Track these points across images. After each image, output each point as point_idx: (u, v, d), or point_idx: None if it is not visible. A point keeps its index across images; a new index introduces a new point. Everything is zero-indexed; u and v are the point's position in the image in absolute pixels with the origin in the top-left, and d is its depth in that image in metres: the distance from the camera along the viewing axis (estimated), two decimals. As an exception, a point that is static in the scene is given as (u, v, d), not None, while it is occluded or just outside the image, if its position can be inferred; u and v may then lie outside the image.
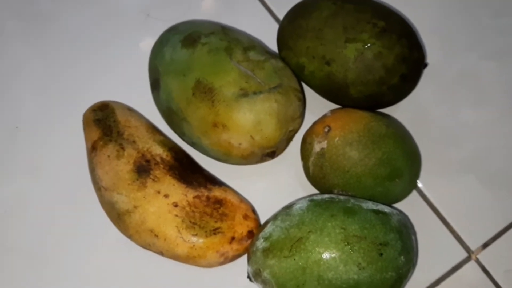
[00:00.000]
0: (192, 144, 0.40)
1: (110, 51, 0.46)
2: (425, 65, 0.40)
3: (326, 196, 0.36)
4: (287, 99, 0.37)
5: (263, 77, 0.37)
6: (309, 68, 0.39)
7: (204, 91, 0.37)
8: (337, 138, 0.37)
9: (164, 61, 0.39)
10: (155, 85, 0.40)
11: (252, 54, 0.38)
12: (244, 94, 0.36)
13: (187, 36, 0.39)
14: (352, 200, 0.36)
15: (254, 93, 0.36)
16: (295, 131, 0.40)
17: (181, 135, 0.40)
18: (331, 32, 0.38)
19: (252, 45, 0.39)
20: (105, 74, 0.45)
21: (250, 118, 0.36)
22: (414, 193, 0.41)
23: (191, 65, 0.38)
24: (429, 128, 0.43)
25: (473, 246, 0.40)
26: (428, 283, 0.39)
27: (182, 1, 0.47)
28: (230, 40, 0.39)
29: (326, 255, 0.33)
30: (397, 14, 0.39)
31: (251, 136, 0.37)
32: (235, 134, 0.37)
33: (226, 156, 0.38)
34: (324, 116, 0.39)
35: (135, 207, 0.36)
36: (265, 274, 0.34)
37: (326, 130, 0.37)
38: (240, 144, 0.37)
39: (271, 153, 0.39)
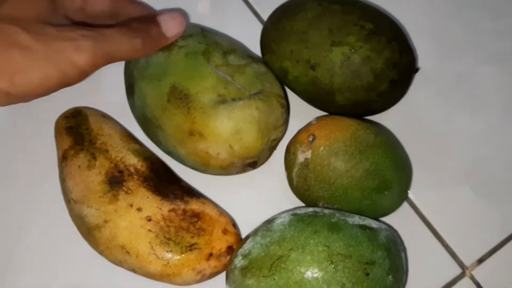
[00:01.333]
0: (169, 153, 0.38)
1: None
2: (416, 70, 0.38)
3: (310, 209, 0.34)
4: (269, 106, 0.35)
5: (243, 83, 0.35)
6: (293, 73, 0.37)
7: (180, 97, 0.34)
8: (322, 148, 0.34)
9: (139, 65, 0.37)
10: (130, 90, 0.38)
11: (232, 58, 0.36)
12: (222, 101, 0.34)
13: None
14: (337, 215, 0.33)
15: (233, 99, 0.34)
16: (278, 140, 0.38)
17: (157, 144, 0.38)
18: (316, 34, 0.36)
19: (233, 48, 0.37)
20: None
21: (229, 126, 0.34)
22: (405, 205, 0.39)
23: (167, 69, 0.35)
24: (421, 136, 0.41)
25: (467, 262, 0.38)
26: (420, 301, 0.37)
27: (164, 2, 0.45)
28: (208, 43, 0.36)
29: (308, 275, 0.31)
30: (387, 16, 0.37)
31: (230, 145, 0.34)
32: (212, 143, 0.34)
33: (204, 167, 0.36)
34: (309, 124, 0.37)
35: (106, 221, 0.34)
36: (243, 295, 0.32)
37: (310, 139, 0.35)
38: (218, 154, 0.35)
39: (253, 163, 0.37)
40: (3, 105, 0.30)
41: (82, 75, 0.31)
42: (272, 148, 0.38)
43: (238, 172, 0.37)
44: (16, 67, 0.28)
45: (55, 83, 0.30)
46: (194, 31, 0.38)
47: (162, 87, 0.35)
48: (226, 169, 0.36)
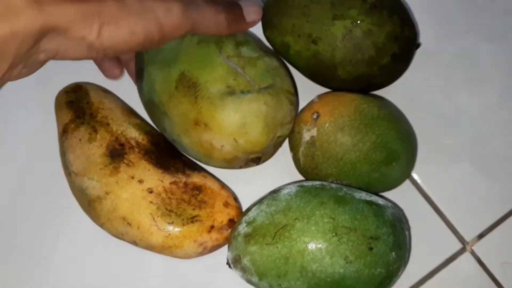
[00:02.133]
0: (173, 141, 0.37)
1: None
2: (418, 45, 0.38)
3: (317, 182, 0.34)
4: (277, 102, 0.34)
5: (253, 76, 0.34)
6: (294, 47, 0.37)
7: (188, 86, 0.34)
8: (327, 124, 0.34)
9: (150, 50, 0.36)
10: (139, 75, 0.37)
11: (244, 50, 0.35)
12: (230, 92, 0.33)
13: None
14: (344, 189, 0.33)
15: (242, 92, 0.33)
16: (284, 137, 0.37)
17: (162, 131, 0.37)
18: (318, 8, 0.36)
19: (246, 40, 0.36)
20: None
21: (235, 119, 0.33)
22: (407, 181, 0.39)
23: (178, 55, 0.35)
24: (422, 113, 0.41)
25: (468, 237, 0.39)
26: (421, 276, 0.38)
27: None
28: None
29: (311, 245, 0.31)
30: (388, -10, 0.37)
31: (234, 138, 0.34)
32: (217, 135, 0.34)
33: (207, 158, 0.36)
34: (311, 102, 0.37)
35: (107, 193, 0.34)
36: (245, 261, 0.32)
37: (314, 116, 0.35)
38: (222, 146, 0.34)
39: (256, 159, 0.36)
40: (80, 58, 0.29)
41: (163, 39, 0.30)
42: (277, 145, 0.37)
43: (241, 167, 0.37)
44: (107, 17, 0.27)
45: (138, 42, 0.29)
46: None
47: (172, 73, 0.34)
48: (229, 163, 0.36)
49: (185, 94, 0.34)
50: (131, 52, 0.31)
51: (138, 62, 0.38)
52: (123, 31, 0.28)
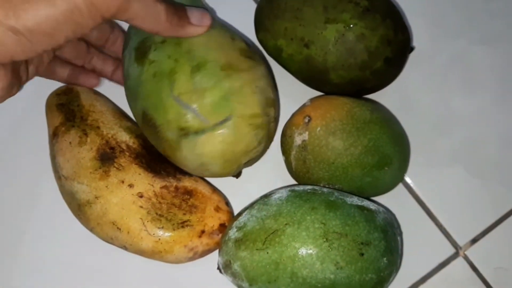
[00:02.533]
0: None
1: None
2: (411, 49, 0.38)
3: (308, 187, 0.34)
4: (236, 134, 0.32)
5: (208, 110, 0.32)
6: (287, 51, 0.37)
7: (150, 125, 0.34)
8: (318, 128, 0.34)
9: (124, 69, 0.36)
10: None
11: (199, 79, 0.32)
12: (184, 134, 0.32)
13: (140, 43, 0.35)
14: (336, 194, 0.33)
15: (196, 133, 0.32)
16: (257, 158, 0.36)
17: None
18: (310, 11, 0.35)
19: (204, 60, 0.33)
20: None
21: (193, 160, 0.33)
22: (399, 185, 0.39)
23: (138, 91, 0.34)
24: (415, 116, 0.41)
25: (461, 242, 0.38)
26: (413, 280, 0.38)
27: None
28: (180, 55, 0.33)
29: (302, 251, 0.31)
30: (382, -7, 0.37)
31: (200, 172, 0.35)
32: (185, 168, 0.35)
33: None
34: (303, 105, 0.36)
35: (97, 197, 0.34)
36: (236, 266, 0.32)
37: (306, 120, 0.35)
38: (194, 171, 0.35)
39: (236, 175, 0.37)
40: (23, 52, 0.27)
41: (95, 13, 0.27)
42: (252, 162, 0.37)
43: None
44: None
45: (64, 18, 0.27)
46: None
47: (137, 108, 0.34)
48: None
49: (150, 132, 0.34)
50: (67, 36, 0.28)
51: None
52: (41, 7, 0.26)
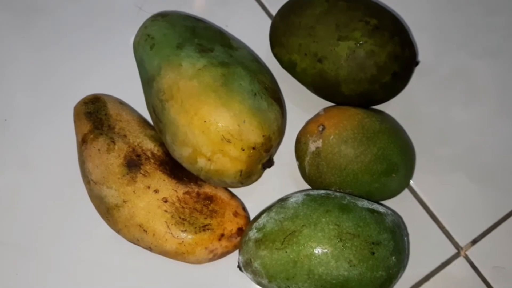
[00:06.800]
0: None
1: (102, 44, 0.46)
2: (416, 63, 0.40)
3: (322, 191, 0.36)
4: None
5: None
6: (301, 65, 0.39)
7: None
8: (332, 136, 0.36)
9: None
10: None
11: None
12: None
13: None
14: (348, 198, 0.36)
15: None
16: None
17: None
18: (323, 29, 0.38)
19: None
20: (97, 67, 0.45)
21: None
22: (405, 190, 0.41)
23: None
24: (419, 125, 0.43)
25: (462, 243, 0.41)
26: (417, 279, 0.40)
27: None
28: None
29: (318, 250, 0.33)
30: (389, 11, 0.39)
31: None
32: None
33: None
34: (317, 115, 0.39)
35: (124, 201, 0.36)
36: (256, 264, 0.34)
37: (320, 129, 0.37)
38: None
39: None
40: None
41: None
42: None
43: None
44: None
45: None
46: None
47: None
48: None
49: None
50: None
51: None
52: None
